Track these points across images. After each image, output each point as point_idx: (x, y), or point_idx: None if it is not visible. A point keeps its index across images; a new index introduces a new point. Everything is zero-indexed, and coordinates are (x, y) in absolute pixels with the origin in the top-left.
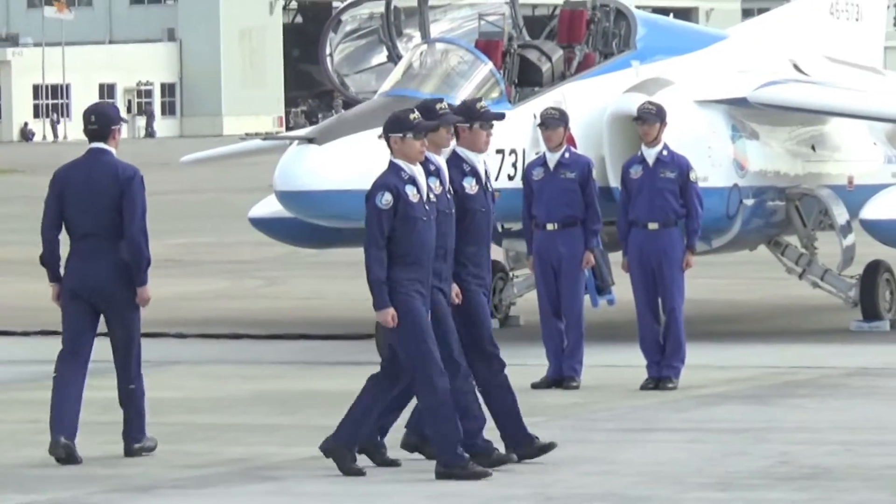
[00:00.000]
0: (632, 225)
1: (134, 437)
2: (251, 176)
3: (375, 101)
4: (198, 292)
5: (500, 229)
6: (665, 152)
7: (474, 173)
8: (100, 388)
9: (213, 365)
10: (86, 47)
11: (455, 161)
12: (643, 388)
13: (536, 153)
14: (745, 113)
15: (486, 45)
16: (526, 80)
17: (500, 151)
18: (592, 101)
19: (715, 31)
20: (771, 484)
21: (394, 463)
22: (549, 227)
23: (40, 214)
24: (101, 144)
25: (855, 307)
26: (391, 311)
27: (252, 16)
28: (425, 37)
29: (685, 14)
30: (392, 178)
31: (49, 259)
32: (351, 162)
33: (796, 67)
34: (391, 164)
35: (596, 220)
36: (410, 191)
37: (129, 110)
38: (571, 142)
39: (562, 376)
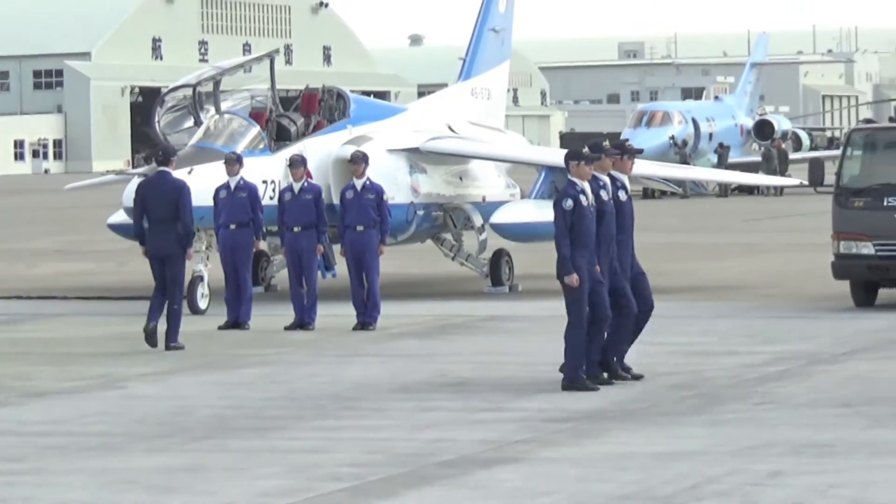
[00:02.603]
0: (346, 228)
1: (171, 339)
2: (109, 197)
3: (186, 150)
4: (75, 270)
5: (265, 230)
6: (368, 182)
7: (624, 187)
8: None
9: (86, 316)
10: (4, 117)
11: (612, 179)
12: (354, 329)
13: (288, 183)
14: (418, 157)
15: (256, 115)
16: (281, 136)
17: (264, 181)
18: (323, 150)
19: (399, 106)
20: (434, 388)
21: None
22: (296, 229)
23: None
24: (165, 168)
25: (487, 278)
26: (575, 275)
27: (111, 97)
28: (218, 110)
29: (381, 95)
30: (571, 190)
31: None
32: None
33: (450, 128)
34: (569, 181)
35: (323, 224)
36: (582, 198)
37: (34, 156)
38: (310, 175)
39: (303, 322)
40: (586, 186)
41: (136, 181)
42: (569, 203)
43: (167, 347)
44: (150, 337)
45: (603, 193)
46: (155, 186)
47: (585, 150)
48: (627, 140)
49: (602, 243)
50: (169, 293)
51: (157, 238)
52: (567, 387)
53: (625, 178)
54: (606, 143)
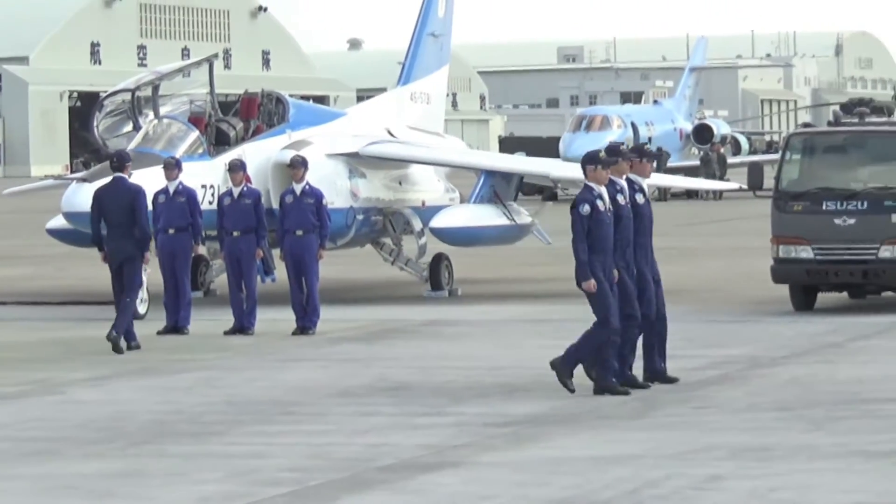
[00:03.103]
0: (286, 232)
1: (117, 328)
2: (48, 202)
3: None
4: (14, 274)
5: (205, 234)
6: (307, 186)
7: (642, 190)
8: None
9: (24, 321)
10: None
11: (629, 183)
12: (294, 333)
13: (227, 188)
14: (357, 161)
15: (195, 119)
16: (220, 141)
17: (203, 186)
18: (262, 155)
19: (338, 110)
20: (374, 393)
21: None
22: (235, 233)
23: None
24: (120, 173)
25: (426, 282)
26: (592, 281)
27: (49, 102)
28: (157, 115)
29: (320, 99)
30: (588, 195)
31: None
32: None
33: (389, 133)
34: (586, 185)
35: (263, 228)
36: (599, 203)
37: None
38: (249, 180)
39: (243, 326)
40: (603, 191)
41: (76, 186)
42: (586, 208)
43: (108, 336)
44: (116, 346)
45: (620, 197)
46: (111, 192)
47: (602, 153)
48: (646, 143)
49: (618, 247)
50: (126, 292)
51: (115, 242)
52: (601, 390)
53: (643, 182)
54: (624, 146)
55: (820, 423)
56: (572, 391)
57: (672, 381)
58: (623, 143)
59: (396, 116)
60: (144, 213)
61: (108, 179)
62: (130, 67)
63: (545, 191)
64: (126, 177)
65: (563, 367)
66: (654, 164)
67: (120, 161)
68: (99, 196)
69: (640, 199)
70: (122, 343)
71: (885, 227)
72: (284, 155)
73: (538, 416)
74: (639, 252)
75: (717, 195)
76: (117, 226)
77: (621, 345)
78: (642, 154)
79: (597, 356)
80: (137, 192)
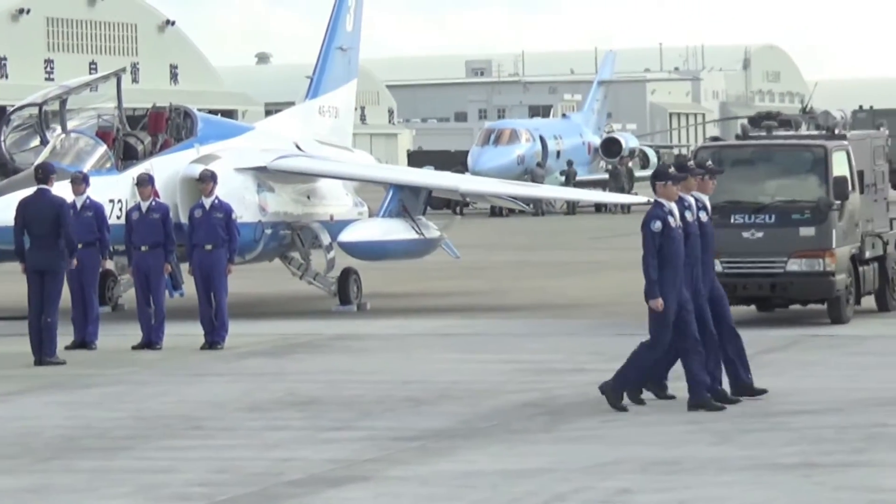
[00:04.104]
0: (195, 246)
1: (48, 353)
2: None
3: (32, 170)
4: None
5: (112, 249)
6: (216, 201)
7: (705, 208)
8: None
9: None
10: None
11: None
12: (202, 348)
13: (135, 203)
14: (265, 175)
15: (103, 134)
16: (128, 156)
17: (111, 200)
18: (170, 169)
19: (246, 125)
20: (283, 407)
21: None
22: (143, 248)
23: None
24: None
25: (335, 296)
26: (660, 300)
27: None
28: (64, 129)
29: (229, 113)
30: (659, 212)
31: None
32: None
33: (298, 147)
34: (656, 202)
35: (171, 243)
36: (670, 220)
37: None
38: (157, 194)
39: (151, 341)
40: (674, 207)
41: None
42: (657, 225)
43: (42, 362)
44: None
45: (688, 214)
46: (35, 204)
47: (672, 169)
48: (709, 160)
49: (687, 264)
50: (45, 307)
51: (38, 253)
52: (605, 391)
53: (706, 199)
54: (691, 163)
55: (729, 435)
56: (626, 411)
57: (761, 392)
58: (690, 159)
59: (304, 130)
60: (69, 224)
61: (31, 191)
62: (38, 82)
63: (453, 204)
64: (50, 189)
65: (613, 391)
66: (715, 182)
67: (45, 173)
68: (23, 207)
69: (703, 216)
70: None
71: (792, 241)
72: (193, 169)
73: (447, 430)
74: (703, 269)
75: (626, 209)
76: (41, 237)
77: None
78: (708, 171)
79: (643, 375)
80: (62, 205)
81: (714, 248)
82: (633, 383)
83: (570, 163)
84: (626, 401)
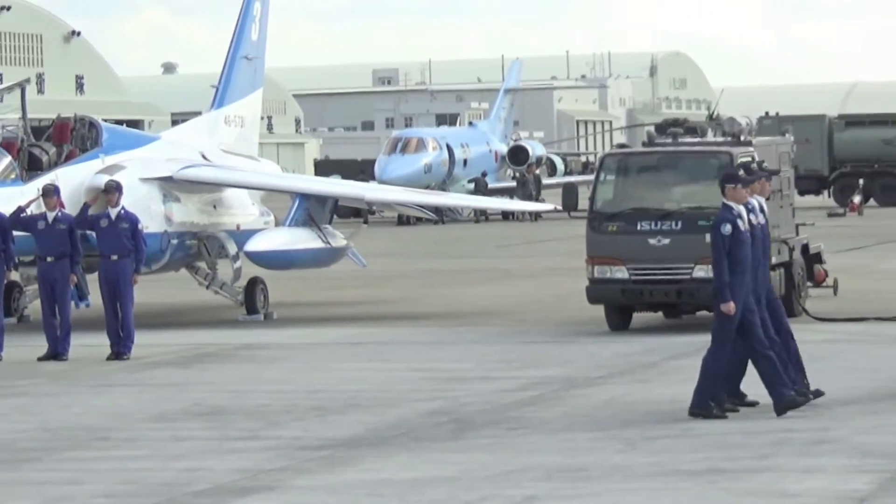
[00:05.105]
0: (101, 257)
1: None
2: None
3: None
4: None
5: (18, 260)
6: (122, 211)
7: (763, 210)
8: None
9: None
10: None
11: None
12: (109, 359)
13: (41, 213)
14: (171, 185)
15: (7, 144)
16: (32, 166)
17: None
18: (76, 179)
19: (152, 135)
20: (189, 417)
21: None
22: (49, 259)
23: None
24: None
25: (241, 306)
26: (732, 304)
27: None
28: None
29: (134, 123)
30: (728, 215)
31: None
32: None
33: (204, 156)
34: (725, 205)
35: (77, 253)
36: (740, 223)
37: None
38: (62, 205)
39: (57, 352)
40: (742, 210)
41: None
42: (727, 228)
43: None
44: None
45: (752, 217)
46: None
47: (741, 172)
48: (763, 161)
49: (752, 268)
50: None
51: None
52: (696, 413)
53: (763, 202)
54: (755, 165)
55: (635, 442)
56: (726, 416)
57: (819, 394)
58: (754, 162)
59: (210, 140)
60: None
61: None
62: None
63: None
64: None
65: (700, 408)
66: (772, 184)
67: None
68: None
69: (762, 219)
70: None
71: (699, 247)
72: (98, 179)
73: (354, 439)
74: (760, 272)
75: (535, 216)
76: None
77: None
78: (769, 173)
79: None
80: None
81: (770, 251)
82: (712, 393)
83: (484, 174)
84: (723, 406)
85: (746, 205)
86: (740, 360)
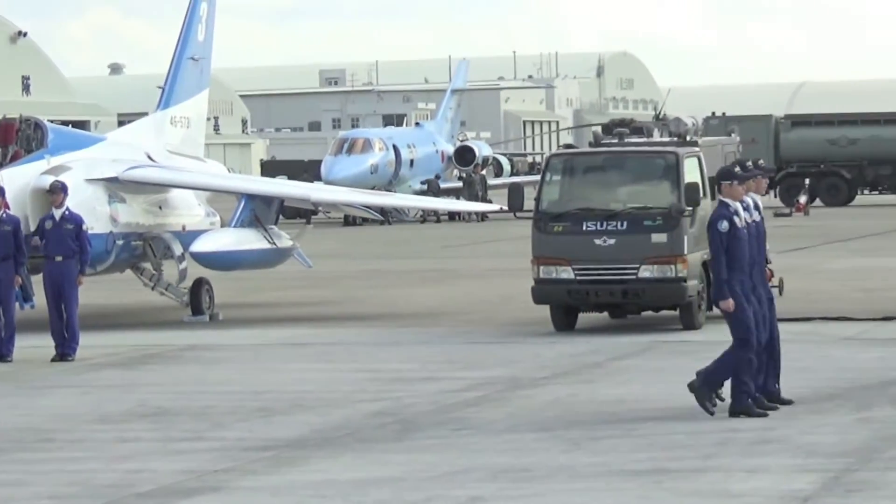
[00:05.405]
0: (45, 258)
1: None
2: None
3: None
4: None
5: None
6: (67, 212)
7: (757, 207)
8: None
9: None
10: None
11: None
12: (53, 360)
13: None
14: (117, 186)
15: None
16: None
17: None
18: (20, 180)
19: (98, 135)
20: (134, 418)
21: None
22: None
23: None
24: None
25: (187, 307)
26: (731, 300)
27: None
28: None
29: (80, 124)
30: (725, 212)
31: None
32: None
33: (150, 157)
34: (721, 202)
35: (22, 255)
36: (736, 220)
37: None
38: (7, 206)
39: (1, 354)
40: (739, 207)
41: None
42: (724, 225)
43: None
44: None
45: (746, 215)
46: None
47: (737, 168)
48: (760, 159)
49: (751, 265)
50: None
51: None
52: (737, 412)
53: (758, 199)
54: (756, 162)
55: (580, 442)
56: (712, 414)
57: (787, 402)
58: (748, 160)
59: (157, 141)
60: None
61: None
62: None
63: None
64: None
65: (702, 390)
66: (767, 181)
67: None
68: None
69: (757, 216)
70: None
71: (644, 247)
72: (43, 180)
73: (299, 440)
74: (756, 270)
75: (481, 217)
76: None
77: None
78: (763, 171)
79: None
80: None
81: (766, 250)
82: (720, 383)
83: (437, 176)
84: (713, 405)
85: (742, 202)
86: (771, 357)
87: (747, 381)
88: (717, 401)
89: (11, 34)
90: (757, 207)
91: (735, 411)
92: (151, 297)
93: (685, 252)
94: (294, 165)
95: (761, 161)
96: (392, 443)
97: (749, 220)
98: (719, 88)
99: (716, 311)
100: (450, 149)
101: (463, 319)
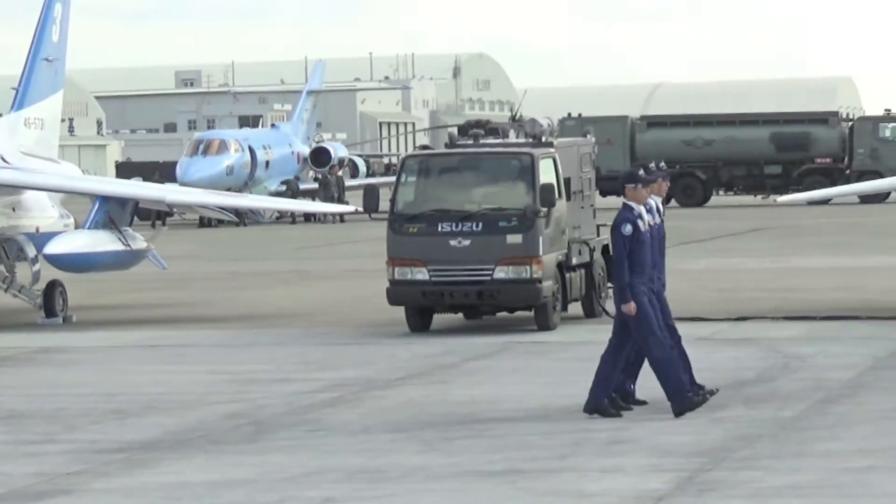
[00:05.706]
0: None
1: None
2: None
3: None
4: None
5: None
6: None
7: (659, 210)
8: None
9: None
10: None
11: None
12: None
13: None
14: None
15: None
16: None
17: None
18: None
19: None
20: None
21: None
22: None
23: None
24: None
25: (40, 309)
26: (633, 304)
27: None
28: None
29: None
30: (629, 215)
31: None
32: None
33: (2, 158)
34: (625, 205)
35: None
36: (640, 223)
37: None
38: None
39: None
40: (643, 210)
41: None
42: (628, 228)
43: None
44: None
45: (649, 217)
46: None
47: (641, 172)
48: (661, 162)
49: (652, 267)
50: None
51: None
52: (681, 411)
53: (660, 202)
54: (656, 166)
55: (434, 443)
56: (705, 400)
57: (641, 403)
58: (651, 163)
59: (10, 142)
60: None
61: None
62: None
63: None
64: None
65: (680, 406)
66: (668, 183)
67: None
68: None
69: (657, 219)
70: None
71: (499, 248)
72: None
73: (152, 442)
74: (656, 273)
75: (339, 218)
76: None
77: (618, 364)
78: (665, 173)
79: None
80: None
81: (665, 251)
82: (678, 386)
83: (297, 178)
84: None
85: (645, 205)
86: (637, 358)
87: (613, 378)
88: (716, 390)
89: None
90: (658, 210)
91: (591, 409)
92: (4, 299)
93: (540, 253)
94: (150, 167)
95: (662, 164)
96: (246, 444)
97: (651, 223)
98: (575, 90)
99: (569, 311)
100: (306, 150)
101: (318, 321)
